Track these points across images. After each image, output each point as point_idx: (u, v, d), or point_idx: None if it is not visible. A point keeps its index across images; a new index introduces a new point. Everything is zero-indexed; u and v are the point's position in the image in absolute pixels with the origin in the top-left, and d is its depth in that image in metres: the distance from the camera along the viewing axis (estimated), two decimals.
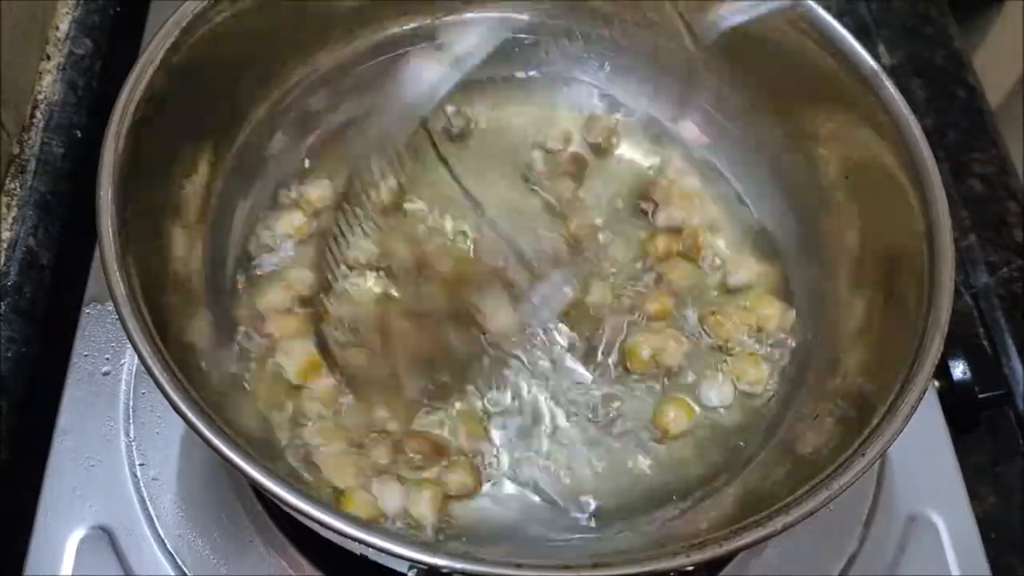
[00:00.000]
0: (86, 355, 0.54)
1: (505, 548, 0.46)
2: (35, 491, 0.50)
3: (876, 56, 0.50)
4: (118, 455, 0.51)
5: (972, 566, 0.52)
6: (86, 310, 0.55)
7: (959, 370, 0.56)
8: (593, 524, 0.47)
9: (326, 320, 0.50)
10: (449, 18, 0.60)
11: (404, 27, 0.59)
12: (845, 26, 0.51)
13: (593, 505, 0.48)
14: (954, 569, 0.51)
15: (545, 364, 0.51)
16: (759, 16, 0.47)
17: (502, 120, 0.61)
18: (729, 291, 0.55)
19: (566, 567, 0.35)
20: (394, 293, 0.51)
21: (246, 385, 0.48)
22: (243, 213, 0.54)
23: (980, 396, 0.56)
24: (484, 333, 0.50)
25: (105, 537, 0.49)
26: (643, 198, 0.58)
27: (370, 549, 0.35)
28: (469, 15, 0.60)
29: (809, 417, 0.49)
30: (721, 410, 0.52)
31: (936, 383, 0.57)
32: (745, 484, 0.48)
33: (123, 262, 0.40)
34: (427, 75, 0.60)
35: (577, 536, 0.47)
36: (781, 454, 0.48)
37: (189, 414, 0.37)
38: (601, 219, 0.57)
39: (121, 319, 0.38)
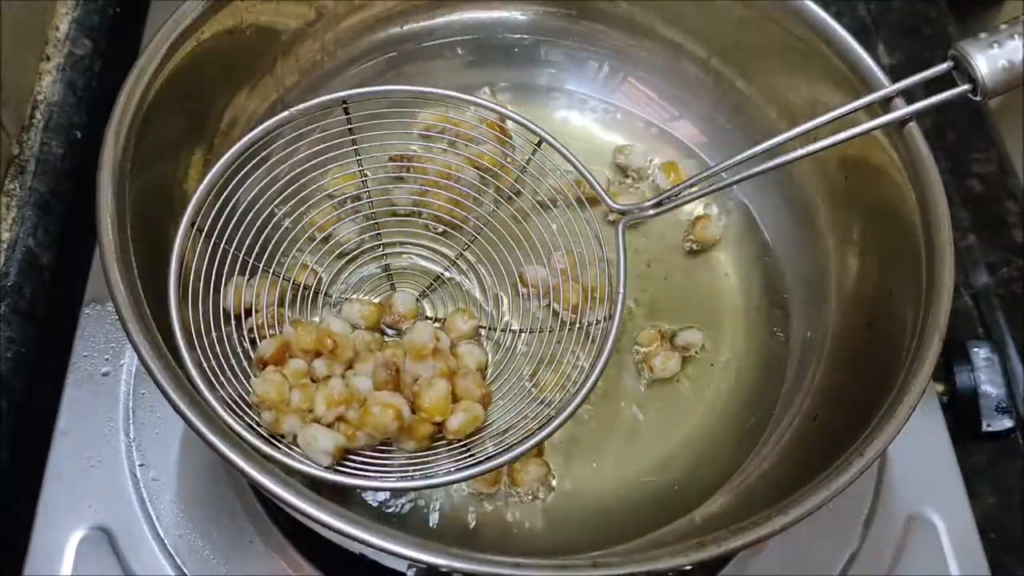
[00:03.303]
0: (86, 356, 0.54)
1: None
2: (35, 491, 0.50)
3: (876, 56, 0.50)
4: (118, 456, 0.51)
5: (972, 566, 0.52)
6: (86, 310, 0.55)
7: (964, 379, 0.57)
8: None
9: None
10: (449, 17, 0.60)
11: (403, 27, 0.59)
12: (845, 26, 0.51)
13: None
14: (954, 569, 0.51)
15: None
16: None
17: None
18: None
19: (565, 567, 0.35)
20: None
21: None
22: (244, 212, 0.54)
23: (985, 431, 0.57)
24: None
25: (105, 537, 0.49)
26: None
27: (369, 548, 0.35)
28: (469, 15, 0.60)
29: (808, 418, 0.49)
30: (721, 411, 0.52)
31: (939, 387, 0.57)
32: (745, 484, 0.48)
33: (123, 262, 0.40)
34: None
35: None
36: (780, 454, 0.48)
37: (189, 414, 0.37)
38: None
39: (121, 319, 0.38)
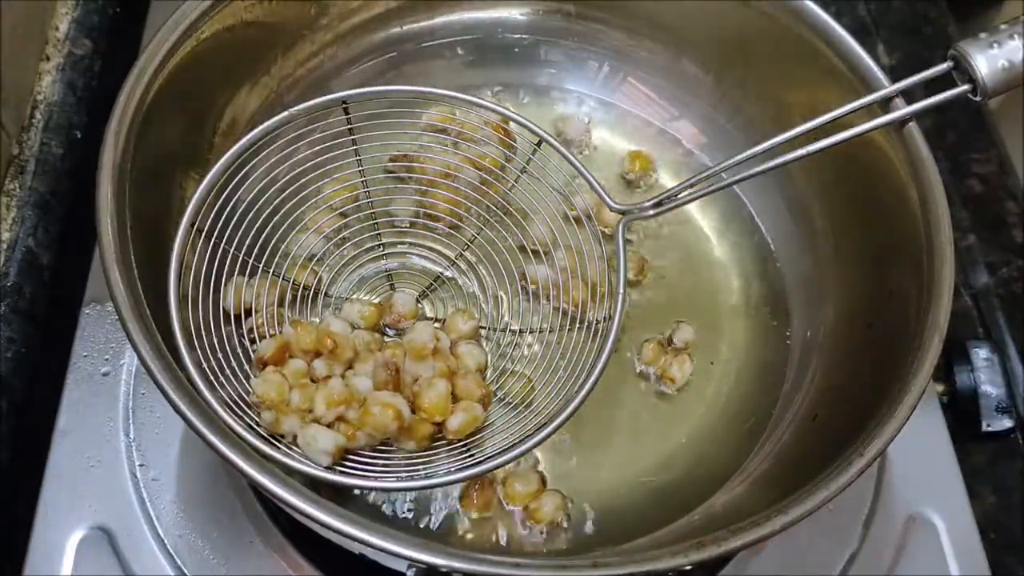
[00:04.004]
0: (86, 356, 0.54)
1: None
2: (35, 491, 0.50)
3: (875, 56, 0.50)
4: (118, 456, 0.51)
5: (972, 566, 0.52)
6: (86, 310, 0.55)
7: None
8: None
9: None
10: (449, 17, 0.60)
11: (403, 27, 0.59)
12: (845, 26, 0.51)
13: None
14: (954, 569, 0.51)
15: None
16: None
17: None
18: None
19: (565, 567, 0.35)
20: None
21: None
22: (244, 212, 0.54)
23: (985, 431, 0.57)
24: None
25: (105, 537, 0.49)
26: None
27: (369, 548, 0.35)
28: (469, 15, 0.60)
29: (808, 418, 0.49)
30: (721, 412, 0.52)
31: (939, 387, 0.57)
32: (745, 484, 0.48)
33: (123, 262, 0.40)
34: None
35: None
36: (780, 454, 0.48)
37: (189, 414, 0.37)
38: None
39: (121, 319, 0.38)
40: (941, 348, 0.42)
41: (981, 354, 0.58)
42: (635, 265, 0.55)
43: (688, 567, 0.36)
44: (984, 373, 0.57)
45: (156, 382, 0.37)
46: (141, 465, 0.51)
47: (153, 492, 0.50)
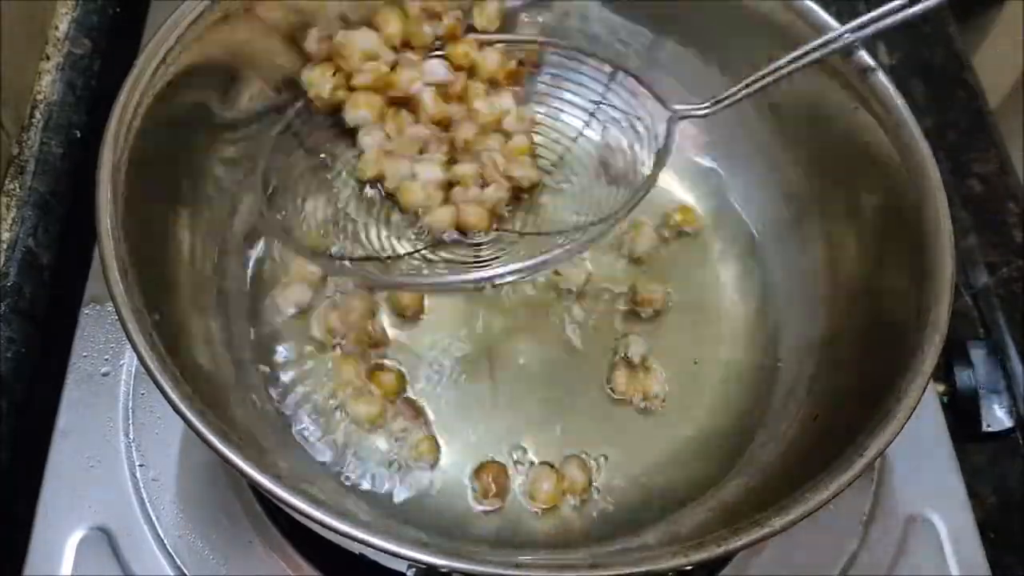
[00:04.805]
0: (85, 356, 0.54)
1: None
2: (35, 491, 0.50)
3: (876, 56, 0.50)
4: (117, 456, 0.51)
5: (972, 566, 0.52)
6: (85, 311, 0.55)
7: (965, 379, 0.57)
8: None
9: None
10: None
11: None
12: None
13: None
14: (954, 569, 0.51)
15: None
16: None
17: None
18: None
19: (565, 567, 0.35)
20: None
21: None
22: (245, 210, 0.54)
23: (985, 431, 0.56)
24: None
25: (104, 538, 0.49)
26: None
27: (369, 549, 0.35)
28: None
29: (808, 418, 0.49)
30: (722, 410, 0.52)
31: (939, 387, 0.57)
32: (745, 485, 0.48)
33: (123, 262, 0.40)
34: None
35: None
36: (781, 455, 0.48)
37: (189, 414, 0.37)
38: None
39: (121, 319, 0.38)
40: (941, 348, 0.42)
41: (981, 354, 0.58)
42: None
43: (688, 567, 0.36)
44: (984, 373, 0.57)
45: (155, 382, 0.37)
46: (141, 465, 0.51)
47: (153, 492, 0.50)
